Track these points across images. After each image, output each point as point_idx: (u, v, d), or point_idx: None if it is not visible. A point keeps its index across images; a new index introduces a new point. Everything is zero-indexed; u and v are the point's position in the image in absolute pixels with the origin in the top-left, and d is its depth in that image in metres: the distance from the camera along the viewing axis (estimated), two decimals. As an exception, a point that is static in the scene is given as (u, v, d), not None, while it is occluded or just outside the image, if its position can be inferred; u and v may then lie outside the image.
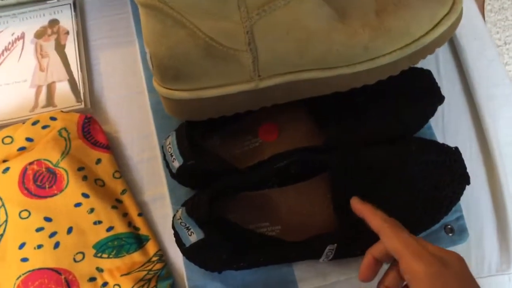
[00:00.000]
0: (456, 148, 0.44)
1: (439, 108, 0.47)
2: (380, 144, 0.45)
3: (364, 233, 0.41)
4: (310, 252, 0.43)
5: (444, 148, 0.45)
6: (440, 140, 0.49)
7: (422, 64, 0.45)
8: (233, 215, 0.44)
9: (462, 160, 0.44)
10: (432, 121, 0.48)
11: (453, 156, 0.44)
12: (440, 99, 0.46)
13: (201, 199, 0.40)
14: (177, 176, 0.44)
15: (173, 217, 0.42)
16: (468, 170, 0.44)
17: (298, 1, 0.39)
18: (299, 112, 0.47)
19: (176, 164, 0.43)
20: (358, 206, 0.40)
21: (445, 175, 0.44)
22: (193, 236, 0.40)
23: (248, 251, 0.42)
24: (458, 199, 0.44)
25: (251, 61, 0.40)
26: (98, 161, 0.45)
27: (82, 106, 0.48)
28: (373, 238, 0.41)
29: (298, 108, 0.47)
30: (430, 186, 0.43)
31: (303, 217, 0.44)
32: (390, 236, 0.36)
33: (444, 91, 0.46)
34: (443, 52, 0.52)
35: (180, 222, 0.40)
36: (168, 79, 0.42)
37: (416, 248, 0.34)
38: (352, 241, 0.42)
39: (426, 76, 0.47)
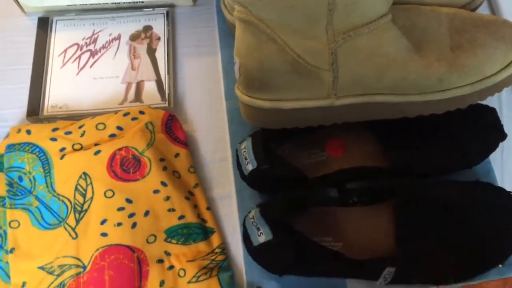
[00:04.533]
0: None
1: (500, 145, 0.49)
2: (448, 182, 0.48)
3: (423, 264, 0.43)
4: (368, 271, 0.45)
5: (510, 194, 0.46)
6: (498, 175, 0.51)
7: (486, 102, 0.48)
8: (300, 226, 0.46)
9: None
10: (491, 157, 0.50)
11: None
12: (502, 135, 0.48)
13: (276, 202, 0.43)
14: (248, 179, 0.47)
15: (246, 216, 0.45)
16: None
17: (381, 30, 0.43)
18: (366, 132, 0.50)
19: (249, 167, 0.46)
20: None
21: (508, 221, 0.44)
22: (262, 237, 0.43)
23: (309, 261, 0.44)
24: None
25: (332, 80, 0.44)
26: (177, 155, 0.49)
27: (166, 105, 0.53)
28: (433, 270, 0.43)
29: (365, 128, 0.50)
30: (493, 231, 0.44)
31: (365, 239, 0.46)
32: None
33: (505, 129, 0.48)
34: (506, 91, 0.54)
35: (252, 222, 0.44)
36: (253, 88, 0.46)
37: None
38: (411, 269, 0.44)
39: (491, 113, 0.49)
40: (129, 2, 0.58)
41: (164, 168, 0.47)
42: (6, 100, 0.53)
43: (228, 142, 0.52)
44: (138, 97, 0.53)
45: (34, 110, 0.52)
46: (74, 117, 0.52)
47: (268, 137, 0.47)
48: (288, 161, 0.47)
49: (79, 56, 0.55)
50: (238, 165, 0.49)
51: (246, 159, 0.47)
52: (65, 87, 0.53)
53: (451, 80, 0.44)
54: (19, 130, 0.48)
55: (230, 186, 0.50)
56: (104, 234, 0.44)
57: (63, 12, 0.58)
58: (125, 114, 0.49)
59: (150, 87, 0.54)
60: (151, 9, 0.58)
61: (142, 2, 0.58)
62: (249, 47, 0.45)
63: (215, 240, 0.47)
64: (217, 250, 0.46)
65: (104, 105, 0.53)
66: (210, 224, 0.48)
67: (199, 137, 0.53)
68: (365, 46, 0.43)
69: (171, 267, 0.45)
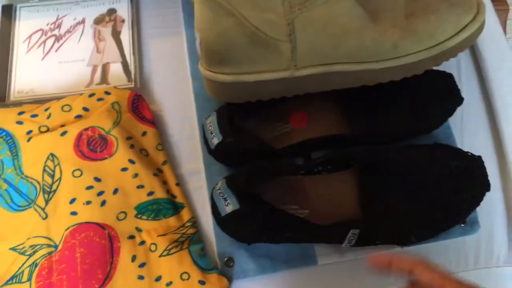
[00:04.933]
0: (479, 157, 0.47)
1: (459, 110, 0.50)
2: (408, 146, 0.49)
3: (386, 225, 0.45)
4: (333, 235, 0.46)
5: (468, 155, 0.47)
6: (458, 140, 0.53)
7: (445, 68, 0.50)
8: (266, 195, 0.48)
9: (484, 168, 0.46)
10: (451, 122, 0.52)
11: (475, 163, 0.47)
12: (460, 100, 0.50)
13: (241, 173, 0.44)
14: (215, 152, 0.48)
15: (213, 188, 0.46)
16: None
17: (336, 0, 0.44)
18: (328, 103, 0.51)
19: (215, 140, 0.47)
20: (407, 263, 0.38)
21: (467, 181, 0.46)
22: (229, 207, 0.44)
23: (277, 228, 0.45)
24: (478, 204, 0.47)
25: (290, 51, 0.45)
26: (144, 133, 0.50)
27: (133, 85, 0.53)
28: (395, 230, 0.45)
29: (327, 99, 0.51)
30: (452, 190, 0.46)
31: (330, 205, 0.48)
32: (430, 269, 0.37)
33: (463, 95, 0.50)
34: (464, 59, 0.56)
35: (219, 193, 0.45)
36: (214, 63, 0.47)
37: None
38: (374, 230, 0.46)
39: (448, 79, 0.51)
40: (92, -14, 0.58)
41: (131, 146, 0.48)
42: (-28, 87, 0.54)
43: (195, 120, 0.53)
44: (104, 79, 0.54)
45: (0, 96, 0.52)
46: (41, 101, 0.52)
47: (233, 111, 0.48)
48: (254, 134, 0.48)
49: (44, 41, 0.56)
50: (204, 140, 0.50)
51: (212, 133, 0.48)
52: (31, 73, 0.54)
53: (405, 46, 0.45)
54: (-16, 115, 0.49)
55: (199, 162, 0.51)
56: (73, 213, 0.45)
57: (26, -1, 0.58)
58: (91, 95, 0.50)
59: (116, 69, 0.54)
60: (115, -8, 0.59)
61: (105, -15, 0.58)
62: (207, 22, 0.45)
63: (185, 214, 0.48)
64: (187, 224, 0.47)
65: (70, 88, 0.53)
66: (179, 199, 0.49)
67: (166, 116, 0.54)
68: (321, 16, 0.44)
69: (142, 243, 0.46)
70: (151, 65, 0.56)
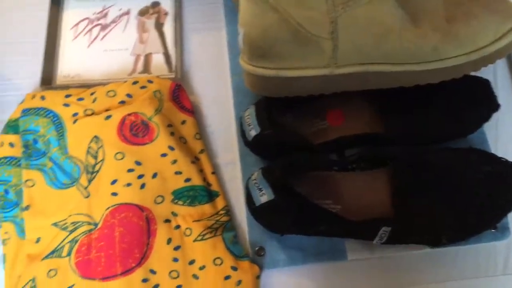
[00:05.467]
0: None
1: (494, 117, 0.51)
2: (443, 149, 0.50)
3: (418, 225, 0.45)
4: (364, 232, 0.47)
5: (502, 161, 0.48)
6: (492, 146, 0.53)
7: (481, 74, 0.50)
8: (300, 189, 0.48)
9: None
10: (486, 128, 0.53)
11: (509, 169, 0.47)
12: (496, 107, 0.50)
13: (277, 165, 0.45)
14: (251, 144, 0.49)
15: (248, 178, 0.47)
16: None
17: (378, 1, 0.45)
18: (364, 102, 0.52)
19: (253, 132, 0.49)
20: None
21: (500, 186, 0.46)
22: (264, 197, 0.45)
23: (309, 221, 0.46)
24: (510, 210, 0.47)
25: (331, 49, 0.46)
26: (183, 122, 0.52)
27: (174, 76, 0.55)
28: (427, 231, 0.45)
29: (363, 98, 0.52)
30: (485, 195, 0.46)
31: (362, 202, 0.48)
32: None
33: (499, 102, 0.50)
34: (501, 67, 0.57)
35: (255, 183, 0.46)
36: (256, 57, 0.48)
37: None
38: (406, 229, 0.46)
39: (485, 85, 0.51)
40: (138, -21, 0.60)
41: (172, 134, 0.50)
42: (21, 70, 0.56)
43: (232, 113, 0.54)
44: (146, 68, 0.56)
45: (48, 79, 0.54)
46: (86, 86, 0.54)
47: (271, 105, 0.50)
48: (291, 128, 0.49)
49: (90, 30, 0.58)
50: (241, 132, 0.51)
51: (249, 125, 0.49)
52: (77, 58, 0.56)
53: (445, 49, 0.46)
54: (33, 96, 0.50)
55: (234, 154, 0.52)
56: (114, 194, 0.47)
57: (74, -12, 0.60)
58: (134, 83, 0.52)
59: (158, 59, 0.56)
60: (159, -14, 0.61)
61: (151, -21, 0.60)
62: (252, 17, 0.47)
63: (219, 202, 0.49)
64: (221, 212, 0.49)
65: (114, 75, 0.55)
66: (215, 187, 0.50)
67: (205, 108, 0.55)
68: (364, 16, 0.45)
69: (178, 227, 0.47)
70: (192, 57, 0.58)
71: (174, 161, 0.49)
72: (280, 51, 0.47)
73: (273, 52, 0.47)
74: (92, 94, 0.51)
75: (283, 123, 0.51)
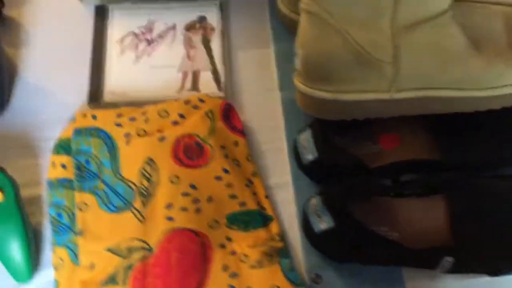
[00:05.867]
0: None
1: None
2: (500, 175, 0.49)
3: (479, 255, 0.45)
4: (424, 261, 0.46)
5: None
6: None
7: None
8: (356, 215, 0.47)
9: None
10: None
11: None
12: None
13: (338, 190, 0.44)
14: (307, 169, 0.49)
15: (306, 204, 0.46)
16: None
17: (443, 25, 0.44)
18: (419, 125, 0.51)
19: (309, 157, 0.48)
20: None
21: None
22: (324, 224, 0.44)
23: (368, 249, 0.45)
24: None
25: (393, 73, 0.45)
26: (236, 143, 0.51)
27: (223, 94, 0.54)
28: (488, 261, 0.44)
29: (418, 121, 0.51)
30: None
31: (420, 229, 0.47)
32: None
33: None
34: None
35: (314, 209, 0.45)
36: (314, 79, 0.47)
37: None
38: (466, 259, 0.45)
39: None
40: (184, -8, 0.59)
41: (226, 156, 0.49)
42: (67, 86, 0.55)
43: (283, 131, 0.53)
44: (195, 86, 0.55)
45: (95, 96, 0.53)
46: (134, 103, 0.53)
47: (326, 127, 0.49)
48: (350, 152, 0.48)
49: (136, 45, 0.56)
50: (295, 155, 0.50)
51: (305, 149, 0.48)
52: (124, 75, 0.55)
53: (511, 76, 0.45)
54: (84, 115, 0.49)
55: (286, 175, 0.51)
56: (170, 218, 0.46)
57: (118, 1, 0.59)
58: (187, 102, 0.50)
59: (206, 76, 0.55)
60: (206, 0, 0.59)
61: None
62: (313, 39, 0.46)
63: (274, 227, 0.48)
64: (276, 237, 0.48)
65: (162, 93, 0.54)
66: (269, 211, 0.49)
67: (254, 126, 0.54)
68: (427, 40, 0.45)
69: (233, 253, 0.46)
70: (239, 74, 0.57)
71: (229, 185, 0.48)
72: (341, 74, 0.46)
73: (333, 75, 0.46)
74: (143, 113, 0.50)
75: (338, 146, 0.50)
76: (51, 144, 0.50)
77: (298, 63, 0.48)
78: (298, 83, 0.49)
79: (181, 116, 0.50)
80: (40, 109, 0.53)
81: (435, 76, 0.46)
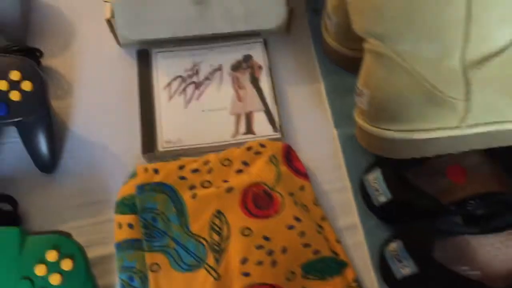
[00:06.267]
0: None
1: None
2: None
3: None
4: None
5: None
6: None
7: None
8: (437, 256, 0.45)
9: None
10: None
11: None
12: None
13: (419, 233, 0.43)
14: (380, 210, 0.47)
15: (384, 248, 0.45)
16: None
17: (510, 60, 0.44)
18: (485, 156, 0.51)
19: (382, 198, 0.46)
20: None
21: None
22: (406, 270, 0.43)
23: None
24: None
25: (465, 109, 0.44)
26: (302, 188, 0.49)
27: (279, 135, 0.52)
28: None
29: (483, 152, 0.50)
30: None
31: (503, 267, 0.46)
32: None
33: None
34: None
35: (394, 254, 0.43)
36: (382, 119, 0.46)
37: None
38: None
39: None
40: (227, 32, 0.57)
41: (295, 203, 0.47)
42: (118, 137, 0.53)
43: (344, 170, 0.52)
44: (249, 128, 0.53)
45: (149, 146, 0.51)
46: (189, 151, 0.51)
47: (398, 167, 0.47)
48: (423, 190, 0.47)
49: (184, 89, 0.55)
50: (364, 196, 0.49)
51: (377, 190, 0.47)
52: (176, 121, 0.53)
53: None
54: (146, 170, 0.47)
55: (352, 216, 0.50)
56: (246, 274, 0.44)
57: (159, 43, 0.57)
58: (249, 148, 0.49)
59: (259, 118, 0.54)
60: (248, 38, 0.58)
61: (239, 31, 0.57)
62: (379, 79, 0.44)
63: (349, 273, 0.47)
64: (353, 284, 0.46)
65: (217, 138, 0.52)
66: (342, 257, 0.47)
67: (314, 166, 0.52)
68: (498, 74, 0.44)
69: (312, 303, 0.45)
70: (290, 113, 0.55)
71: (302, 233, 0.46)
72: (411, 114, 0.45)
73: (403, 115, 0.45)
74: (205, 163, 0.48)
75: (412, 185, 0.48)
76: (109, 200, 0.48)
77: (363, 103, 0.47)
78: (364, 123, 0.48)
79: (245, 163, 0.48)
80: (93, 165, 0.51)
81: (507, 110, 0.45)
